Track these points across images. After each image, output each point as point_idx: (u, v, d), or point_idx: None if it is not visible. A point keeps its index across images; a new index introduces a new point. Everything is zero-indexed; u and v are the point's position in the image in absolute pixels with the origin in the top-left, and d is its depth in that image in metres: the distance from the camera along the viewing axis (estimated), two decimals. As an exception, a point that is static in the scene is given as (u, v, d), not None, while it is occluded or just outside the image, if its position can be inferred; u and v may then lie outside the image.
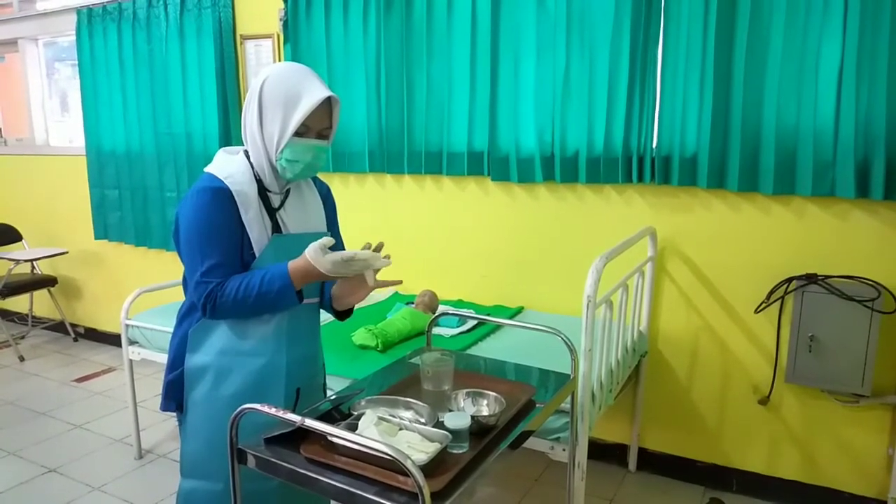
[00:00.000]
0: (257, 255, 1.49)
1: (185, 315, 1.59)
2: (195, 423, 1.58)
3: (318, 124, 1.49)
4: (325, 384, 1.78)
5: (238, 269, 1.49)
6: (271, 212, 1.53)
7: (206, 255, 1.45)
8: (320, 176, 1.78)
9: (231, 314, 1.49)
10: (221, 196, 1.46)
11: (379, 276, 1.49)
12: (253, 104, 1.48)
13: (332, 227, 1.71)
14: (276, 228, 1.53)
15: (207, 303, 1.45)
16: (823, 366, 2.30)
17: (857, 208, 2.31)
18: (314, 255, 1.41)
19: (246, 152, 1.53)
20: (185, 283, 1.61)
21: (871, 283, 2.25)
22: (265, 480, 1.50)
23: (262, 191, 1.52)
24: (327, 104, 1.49)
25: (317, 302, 1.65)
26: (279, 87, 1.45)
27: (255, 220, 1.48)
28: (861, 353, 2.23)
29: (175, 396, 1.60)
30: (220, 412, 1.49)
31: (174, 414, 1.64)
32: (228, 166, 1.51)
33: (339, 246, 1.48)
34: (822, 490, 2.49)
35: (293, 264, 1.44)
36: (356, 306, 1.70)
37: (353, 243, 1.63)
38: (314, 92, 1.45)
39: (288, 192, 1.58)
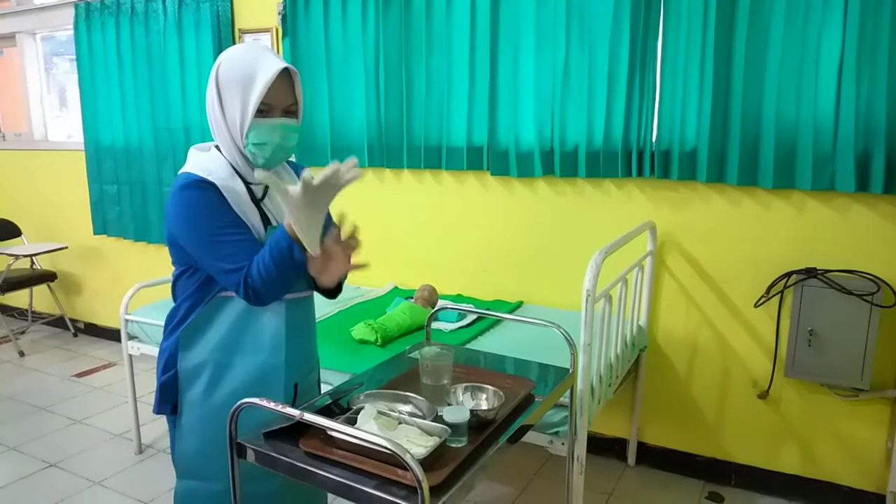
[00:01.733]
0: None
1: (179, 323, 1.51)
2: (192, 422, 1.53)
3: (282, 101, 1.41)
4: (319, 380, 1.75)
5: (256, 241, 1.42)
6: (256, 203, 1.47)
7: (219, 240, 1.38)
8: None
9: (271, 294, 1.40)
10: (210, 188, 1.40)
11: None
12: (212, 92, 1.41)
13: None
14: (265, 220, 1.48)
15: (249, 290, 1.37)
16: (823, 360, 2.30)
17: (856, 202, 2.31)
18: (283, 200, 1.28)
19: (217, 147, 1.47)
20: (174, 286, 1.54)
21: (870, 277, 2.24)
22: (266, 482, 1.49)
23: (245, 183, 1.46)
24: (288, 79, 1.41)
25: (311, 296, 1.61)
26: (233, 70, 1.39)
27: (246, 214, 1.43)
28: (860, 347, 2.23)
29: (170, 398, 1.54)
30: (220, 410, 1.44)
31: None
32: (206, 163, 1.44)
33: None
34: (822, 484, 2.50)
35: (286, 221, 1.33)
36: (356, 301, 1.68)
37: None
38: (269, 66, 1.37)
39: None
